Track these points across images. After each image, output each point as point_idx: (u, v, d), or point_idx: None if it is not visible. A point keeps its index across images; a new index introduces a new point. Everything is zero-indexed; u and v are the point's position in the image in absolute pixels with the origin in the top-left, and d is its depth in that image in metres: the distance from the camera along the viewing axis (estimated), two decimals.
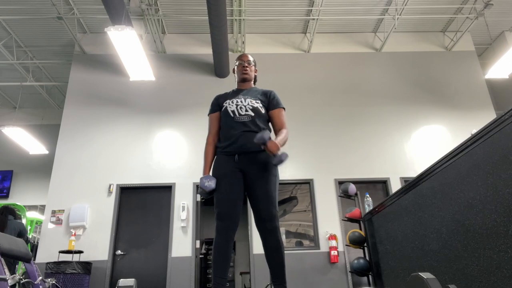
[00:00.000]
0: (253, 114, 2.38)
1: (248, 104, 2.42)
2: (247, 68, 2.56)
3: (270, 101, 2.50)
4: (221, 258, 2.14)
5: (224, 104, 2.47)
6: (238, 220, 2.22)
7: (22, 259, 2.12)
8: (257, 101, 2.46)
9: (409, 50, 7.62)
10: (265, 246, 2.23)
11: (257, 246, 5.90)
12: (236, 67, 2.63)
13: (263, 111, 2.44)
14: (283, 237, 6.06)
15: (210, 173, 2.40)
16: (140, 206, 6.23)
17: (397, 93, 7.19)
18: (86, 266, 5.28)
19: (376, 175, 6.48)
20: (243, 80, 2.58)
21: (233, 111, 2.40)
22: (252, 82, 2.64)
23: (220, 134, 2.45)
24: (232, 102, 2.44)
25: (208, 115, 2.56)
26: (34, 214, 8.50)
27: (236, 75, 2.63)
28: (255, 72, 2.66)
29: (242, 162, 2.29)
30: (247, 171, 2.28)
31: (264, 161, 2.29)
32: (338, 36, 7.69)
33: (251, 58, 2.61)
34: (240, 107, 2.41)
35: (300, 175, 6.44)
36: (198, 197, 6.31)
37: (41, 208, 8.59)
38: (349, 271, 5.75)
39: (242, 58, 2.60)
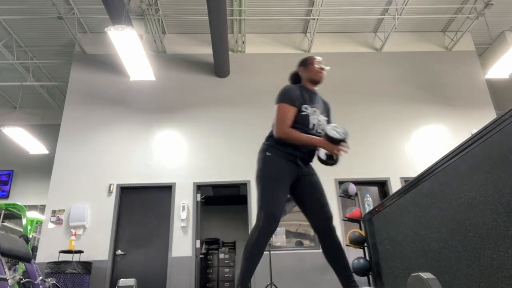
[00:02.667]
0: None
1: (323, 122, 2.41)
2: (323, 74, 2.50)
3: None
4: (259, 259, 2.16)
5: (303, 107, 2.32)
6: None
7: (22, 259, 2.13)
8: (325, 115, 2.50)
9: (409, 50, 7.62)
10: (331, 246, 2.31)
11: None
12: (312, 65, 2.49)
13: None
14: (283, 237, 6.06)
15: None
16: (140, 206, 6.23)
17: (397, 93, 7.19)
18: (86, 266, 5.29)
19: (376, 175, 6.48)
20: (317, 83, 2.52)
21: (313, 124, 2.35)
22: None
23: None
24: (314, 112, 2.35)
25: (285, 103, 2.28)
26: (34, 214, 8.50)
27: (308, 73, 2.50)
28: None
29: (301, 170, 2.38)
30: (302, 175, 2.38)
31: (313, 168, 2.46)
32: (338, 36, 7.69)
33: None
34: (319, 122, 2.37)
35: None
36: (198, 197, 6.31)
37: (41, 208, 8.59)
38: None
39: (318, 59, 2.53)
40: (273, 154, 2.30)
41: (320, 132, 2.35)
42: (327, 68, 2.52)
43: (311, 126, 2.32)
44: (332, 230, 2.32)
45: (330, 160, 2.44)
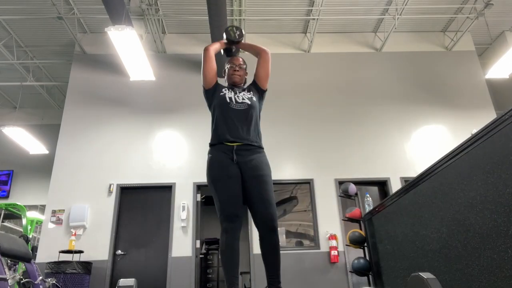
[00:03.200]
0: (249, 103, 2.43)
1: (242, 95, 2.48)
2: (237, 72, 2.57)
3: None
4: (236, 258, 2.19)
5: (223, 90, 2.51)
6: (242, 219, 2.28)
7: (22, 259, 2.13)
8: (249, 92, 2.53)
9: (409, 50, 7.62)
10: (264, 245, 2.25)
11: (257, 246, 5.90)
12: (227, 69, 2.62)
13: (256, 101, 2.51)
14: (283, 237, 6.06)
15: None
16: (140, 206, 6.23)
17: (397, 93, 7.19)
18: (86, 266, 5.29)
19: (376, 175, 6.48)
20: (233, 84, 2.58)
21: (230, 98, 2.44)
22: (242, 85, 2.64)
23: (214, 124, 2.43)
24: (230, 91, 2.51)
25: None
26: (34, 214, 8.50)
27: (226, 77, 2.63)
28: (246, 75, 2.66)
29: (239, 159, 2.29)
30: (244, 171, 2.28)
31: (260, 161, 2.31)
32: (338, 36, 7.69)
33: (242, 62, 2.62)
34: (237, 96, 2.46)
35: (300, 175, 6.44)
36: (198, 197, 6.32)
37: (41, 208, 8.59)
38: (349, 271, 5.75)
39: (233, 61, 2.60)
40: (210, 154, 2.39)
41: (243, 101, 2.45)
42: (242, 62, 2.65)
43: (227, 100, 2.43)
44: (266, 231, 2.26)
45: (233, 43, 2.64)
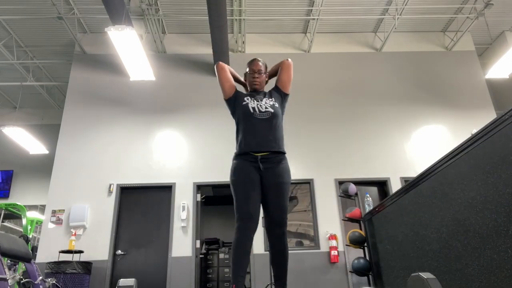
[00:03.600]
0: (272, 111, 2.44)
1: (265, 103, 2.48)
2: (257, 79, 2.56)
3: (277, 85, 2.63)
4: (246, 257, 2.23)
5: (245, 99, 2.51)
6: (258, 222, 2.31)
7: (22, 259, 2.13)
8: (271, 98, 2.52)
9: (409, 50, 7.62)
10: (273, 249, 2.33)
11: (257, 246, 5.90)
12: (247, 74, 2.62)
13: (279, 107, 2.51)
14: None
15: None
16: (140, 206, 6.23)
17: (397, 93, 7.19)
18: (86, 266, 5.29)
19: (376, 175, 6.48)
20: (254, 90, 2.59)
21: (253, 108, 2.44)
22: (263, 89, 2.65)
23: (240, 135, 2.46)
24: (253, 101, 2.49)
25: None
26: (34, 214, 8.50)
27: (247, 82, 2.64)
28: (267, 78, 2.67)
29: (264, 167, 2.34)
30: (266, 176, 2.34)
31: (283, 168, 2.36)
32: (338, 36, 7.69)
33: (262, 66, 2.60)
34: (260, 105, 2.46)
35: (300, 175, 6.44)
36: (198, 197, 6.32)
37: (41, 208, 8.59)
38: (349, 271, 5.75)
39: (252, 66, 2.59)
40: (235, 160, 2.44)
41: (266, 109, 2.44)
42: (261, 67, 2.62)
43: (251, 110, 2.43)
44: (275, 235, 2.35)
45: None
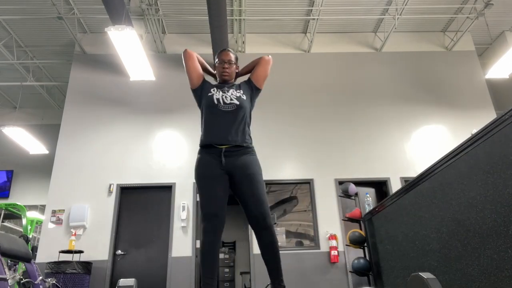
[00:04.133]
0: (237, 103, 2.35)
1: (231, 94, 2.39)
2: (227, 70, 2.47)
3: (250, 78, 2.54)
4: (212, 258, 2.19)
5: (211, 90, 2.42)
6: (224, 220, 2.24)
7: (22, 259, 2.13)
8: (239, 90, 2.43)
9: (409, 50, 7.62)
10: (260, 244, 2.25)
11: (257, 246, 5.90)
12: (216, 65, 2.52)
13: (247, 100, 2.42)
14: (283, 237, 6.06)
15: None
16: (140, 206, 6.23)
17: (397, 93, 7.19)
18: (86, 266, 5.29)
19: (376, 175, 6.48)
20: (224, 81, 2.50)
21: (217, 99, 2.36)
22: (233, 81, 2.56)
23: (203, 126, 2.38)
24: (218, 91, 2.41)
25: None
26: (34, 214, 8.50)
27: (216, 73, 2.54)
28: (237, 69, 2.58)
29: (228, 162, 2.26)
30: (233, 172, 2.26)
31: (249, 160, 2.28)
32: (338, 36, 7.69)
33: (232, 57, 2.50)
34: (225, 97, 2.37)
35: (300, 175, 6.44)
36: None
37: (41, 208, 8.59)
38: (349, 271, 5.75)
39: (222, 56, 2.49)
40: (199, 154, 2.37)
41: (231, 101, 2.36)
42: (232, 57, 2.52)
43: (215, 102, 2.36)
44: (260, 229, 2.25)
45: None
